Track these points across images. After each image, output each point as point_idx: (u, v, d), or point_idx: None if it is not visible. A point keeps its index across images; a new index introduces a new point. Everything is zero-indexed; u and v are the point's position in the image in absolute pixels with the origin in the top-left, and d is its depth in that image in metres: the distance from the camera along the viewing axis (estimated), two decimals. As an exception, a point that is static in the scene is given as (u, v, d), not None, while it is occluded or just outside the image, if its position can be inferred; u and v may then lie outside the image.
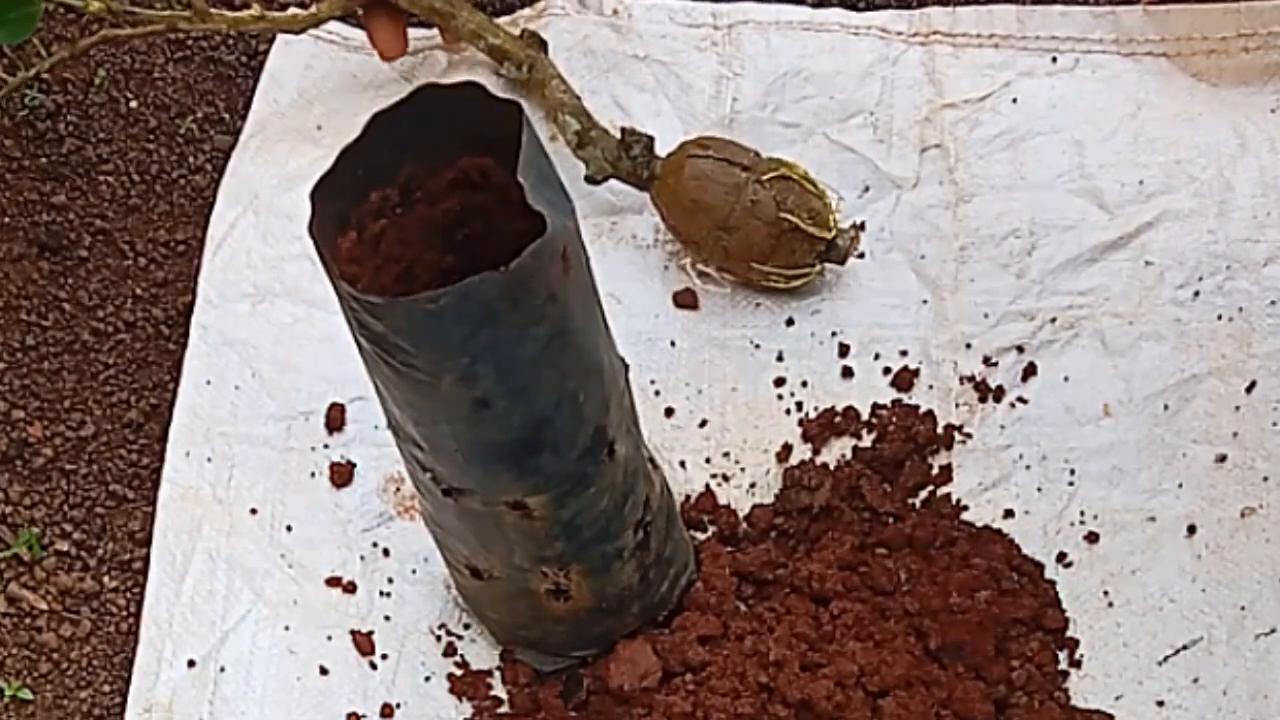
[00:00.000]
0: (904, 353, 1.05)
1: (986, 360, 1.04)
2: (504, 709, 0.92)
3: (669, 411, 1.03)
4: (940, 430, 1.01)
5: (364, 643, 0.94)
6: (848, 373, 1.04)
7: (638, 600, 0.90)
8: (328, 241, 0.70)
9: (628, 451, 0.82)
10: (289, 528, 0.98)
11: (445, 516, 0.83)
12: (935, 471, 1.01)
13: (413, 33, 1.14)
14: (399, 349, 0.69)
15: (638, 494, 0.85)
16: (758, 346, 1.05)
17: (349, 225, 0.73)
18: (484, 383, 0.70)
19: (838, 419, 1.02)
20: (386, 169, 0.73)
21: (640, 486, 0.85)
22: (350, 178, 0.70)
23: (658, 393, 1.03)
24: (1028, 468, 1.01)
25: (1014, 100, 1.13)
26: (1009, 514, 0.99)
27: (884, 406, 1.02)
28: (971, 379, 1.03)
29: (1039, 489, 1.00)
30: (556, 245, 0.68)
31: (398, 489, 0.99)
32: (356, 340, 0.72)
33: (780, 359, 1.05)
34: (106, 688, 0.94)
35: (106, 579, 0.97)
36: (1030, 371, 1.04)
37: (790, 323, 1.06)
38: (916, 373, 1.04)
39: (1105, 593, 0.97)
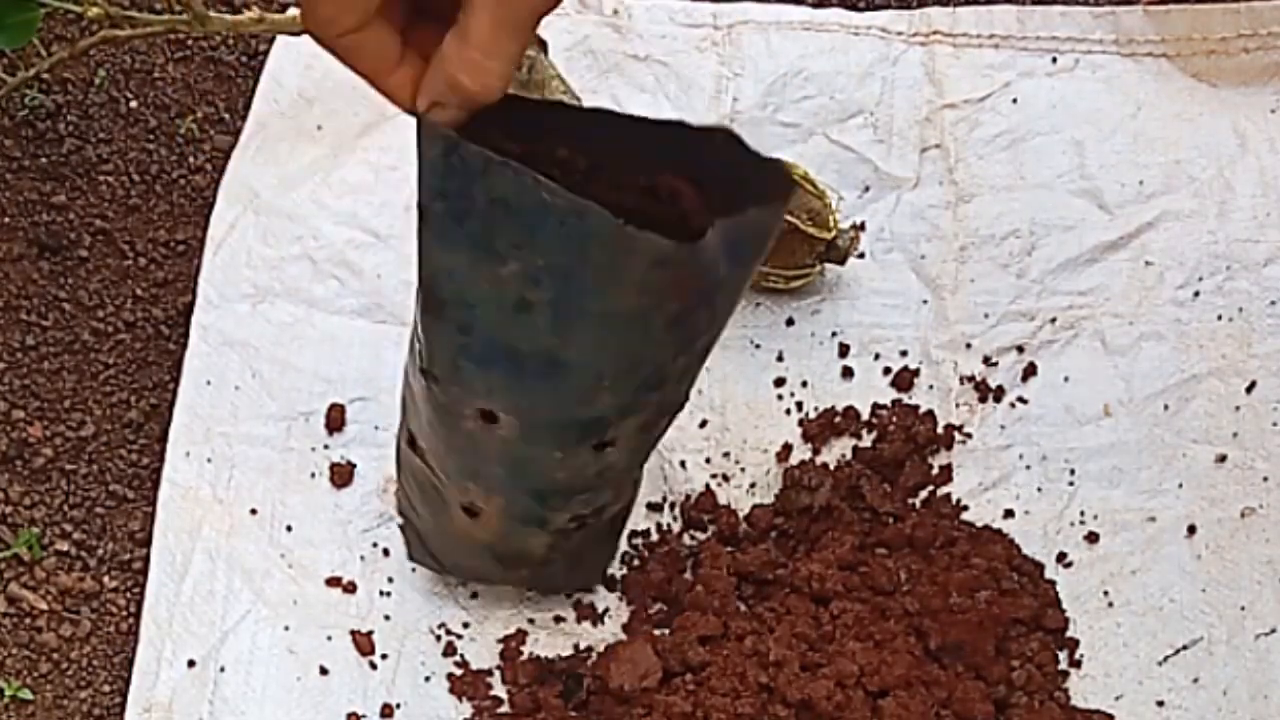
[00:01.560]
0: (904, 353, 1.05)
1: (986, 360, 1.04)
2: (504, 709, 0.92)
3: (669, 411, 1.03)
4: (940, 430, 1.01)
5: (364, 643, 0.94)
6: (848, 373, 1.04)
7: (527, 568, 0.91)
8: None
9: (614, 461, 0.81)
10: (289, 528, 0.98)
11: (422, 407, 0.81)
12: (935, 471, 1.01)
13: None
14: (507, 230, 0.66)
15: (597, 495, 0.84)
16: (758, 346, 1.05)
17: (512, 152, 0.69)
18: (542, 291, 0.68)
19: (838, 419, 1.02)
20: (592, 143, 0.70)
21: (604, 494, 0.85)
22: (550, 123, 0.68)
23: (658, 393, 1.03)
24: (1028, 468, 1.01)
25: (1014, 100, 1.13)
26: (1009, 514, 0.99)
27: (884, 406, 1.02)
28: (971, 379, 1.03)
29: (1039, 489, 1.00)
30: (762, 239, 0.67)
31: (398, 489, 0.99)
32: (438, 202, 0.67)
33: (780, 359, 1.05)
34: (106, 688, 0.94)
35: (106, 579, 0.97)
36: (1030, 371, 1.04)
37: (790, 323, 1.06)
38: (916, 373, 1.04)
39: (1105, 593, 0.97)
